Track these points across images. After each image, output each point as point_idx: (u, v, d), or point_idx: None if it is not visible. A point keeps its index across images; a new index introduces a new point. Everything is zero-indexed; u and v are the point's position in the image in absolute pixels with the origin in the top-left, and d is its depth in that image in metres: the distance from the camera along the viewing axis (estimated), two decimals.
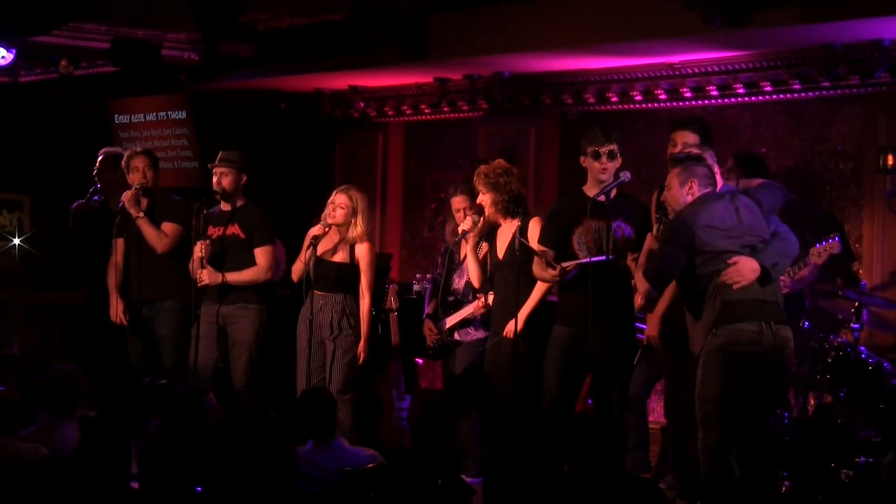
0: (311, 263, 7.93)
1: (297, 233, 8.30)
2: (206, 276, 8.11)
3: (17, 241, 10.85)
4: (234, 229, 8.21)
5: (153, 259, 8.42)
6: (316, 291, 7.97)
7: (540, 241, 7.03)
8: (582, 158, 6.99)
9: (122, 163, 8.58)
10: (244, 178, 8.26)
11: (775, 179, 7.77)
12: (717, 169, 6.55)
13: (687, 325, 6.40)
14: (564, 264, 6.79)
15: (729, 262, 6.14)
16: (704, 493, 6.32)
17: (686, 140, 7.18)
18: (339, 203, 8.01)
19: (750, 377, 6.13)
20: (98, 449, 5.15)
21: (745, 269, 6.13)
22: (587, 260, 6.74)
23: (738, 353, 6.11)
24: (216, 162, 8.25)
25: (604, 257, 6.74)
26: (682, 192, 6.33)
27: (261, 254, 8.19)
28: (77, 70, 10.38)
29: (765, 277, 6.15)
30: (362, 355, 7.94)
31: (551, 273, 6.85)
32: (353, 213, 7.99)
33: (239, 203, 8.27)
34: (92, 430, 5.47)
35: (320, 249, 7.98)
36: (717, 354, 6.15)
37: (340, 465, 5.88)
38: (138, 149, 8.78)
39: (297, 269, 8.10)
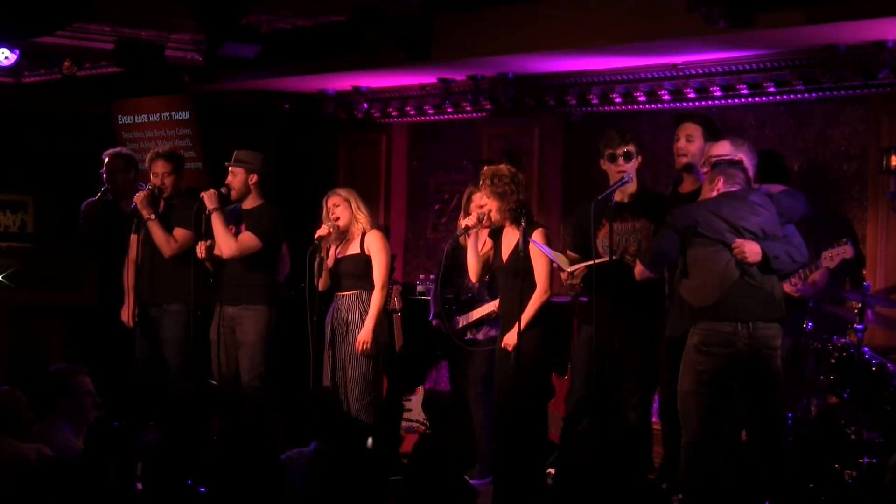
0: (325, 266, 7.94)
1: (300, 234, 8.29)
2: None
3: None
4: (242, 229, 8.21)
5: (163, 261, 8.41)
6: (338, 293, 8.01)
7: (569, 247, 7.16)
8: (601, 161, 7.08)
9: (146, 162, 8.57)
10: (254, 178, 8.24)
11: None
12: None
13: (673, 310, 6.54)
14: (571, 268, 6.84)
15: (733, 244, 6.33)
16: (683, 487, 6.42)
17: (689, 133, 7.20)
18: (334, 203, 8.04)
19: (723, 377, 6.34)
20: (103, 451, 5.15)
21: (748, 249, 6.30)
22: (591, 262, 6.78)
23: (711, 354, 6.33)
24: (232, 161, 8.29)
25: (609, 258, 6.78)
26: (709, 188, 6.54)
27: (244, 236, 8.16)
28: (80, 71, 10.37)
29: (765, 263, 6.32)
30: (364, 346, 7.87)
31: (563, 276, 6.98)
32: (351, 207, 8.03)
33: (254, 204, 8.27)
34: (96, 432, 5.46)
35: (337, 253, 8.01)
36: (692, 352, 6.39)
37: None
38: (160, 150, 8.70)
39: (322, 282, 8.03)
